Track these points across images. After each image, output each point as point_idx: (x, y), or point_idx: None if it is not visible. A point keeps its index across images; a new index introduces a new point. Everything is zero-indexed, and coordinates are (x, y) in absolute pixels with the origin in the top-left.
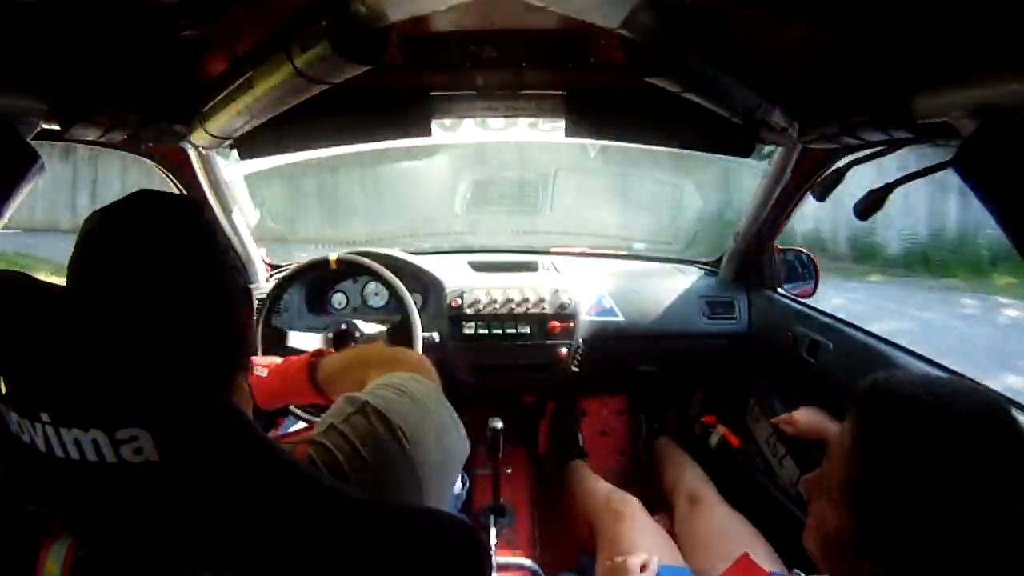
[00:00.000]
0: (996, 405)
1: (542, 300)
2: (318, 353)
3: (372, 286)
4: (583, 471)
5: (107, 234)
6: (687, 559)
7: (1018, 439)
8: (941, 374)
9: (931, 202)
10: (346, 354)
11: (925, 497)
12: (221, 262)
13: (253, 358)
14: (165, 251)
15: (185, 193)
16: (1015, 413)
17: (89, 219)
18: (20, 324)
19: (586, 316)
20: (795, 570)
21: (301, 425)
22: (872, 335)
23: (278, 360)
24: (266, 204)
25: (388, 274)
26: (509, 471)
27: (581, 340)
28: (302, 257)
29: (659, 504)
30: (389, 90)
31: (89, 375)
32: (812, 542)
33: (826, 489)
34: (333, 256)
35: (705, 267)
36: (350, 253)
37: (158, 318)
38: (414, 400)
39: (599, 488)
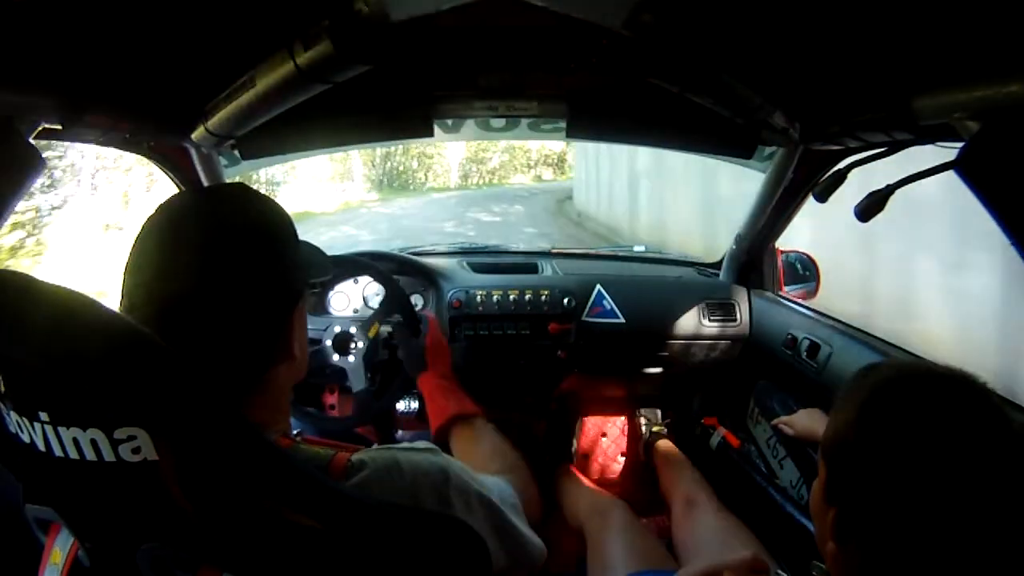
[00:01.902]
0: (980, 390)
1: (543, 301)
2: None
3: (373, 287)
4: (571, 476)
5: (145, 234)
6: (682, 563)
7: (989, 425)
8: None
9: None
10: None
11: (888, 458)
12: (269, 258)
13: None
14: (213, 247)
15: None
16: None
17: None
18: (19, 324)
19: (586, 318)
20: (778, 572)
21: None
22: (872, 336)
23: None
24: None
25: (388, 275)
26: None
27: (582, 342)
28: None
29: (659, 506)
30: (391, 90)
31: (87, 375)
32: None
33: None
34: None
35: (706, 269)
36: (350, 254)
37: (169, 317)
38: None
39: (585, 494)
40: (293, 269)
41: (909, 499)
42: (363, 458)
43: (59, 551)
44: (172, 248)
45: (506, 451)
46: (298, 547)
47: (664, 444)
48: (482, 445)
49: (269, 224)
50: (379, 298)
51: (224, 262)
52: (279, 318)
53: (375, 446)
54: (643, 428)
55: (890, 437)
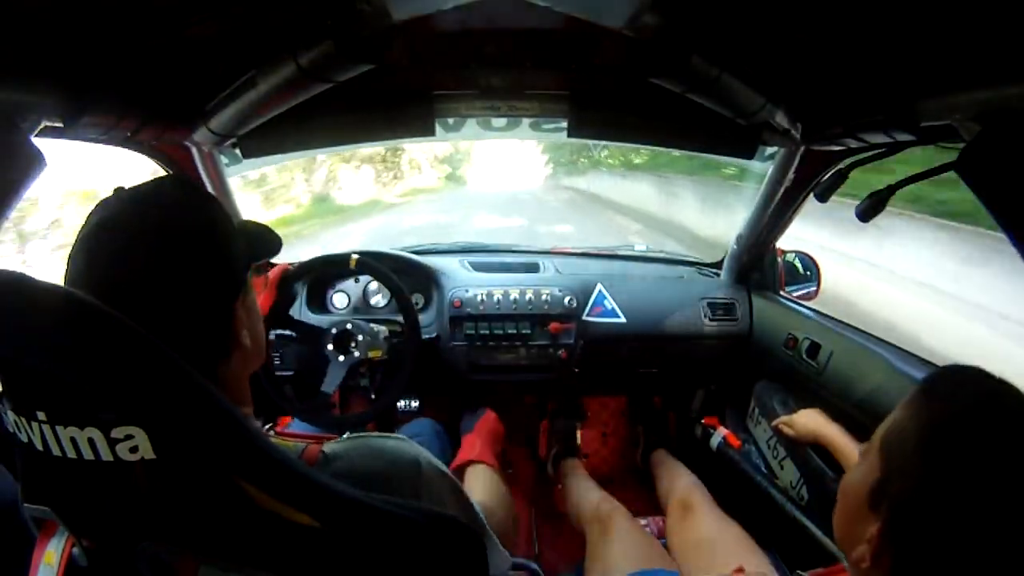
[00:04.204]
0: None
1: (543, 300)
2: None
3: (374, 286)
4: (578, 472)
5: (97, 229)
6: (678, 567)
7: None
8: None
9: None
10: None
11: (955, 469)
12: (206, 251)
13: None
14: (149, 243)
15: None
16: None
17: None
18: (16, 323)
19: (587, 317)
20: None
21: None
22: (872, 337)
23: None
24: None
25: (389, 274)
26: (509, 471)
27: (582, 341)
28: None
29: (659, 506)
30: (393, 89)
31: (84, 374)
32: (839, 490)
33: (872, 441)
34: (354, 256)
35: (706, 268)
36: (352, 253)
37: (148, 312)
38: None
39: (589, 496)
40: (232, 259)
41: (983, 532)
42: (336, 449)
43: (53, 552)
44: (101, 246)
45: (504, 493)
46: (293, 544)
47: (662, 453)
48: (487, 483)
49: (206, 218)
50: (380, 297)
51: (160, 256)
52: (222, 308)
53: (347, 435)
54: (641, 437)
55: (987, 467)
